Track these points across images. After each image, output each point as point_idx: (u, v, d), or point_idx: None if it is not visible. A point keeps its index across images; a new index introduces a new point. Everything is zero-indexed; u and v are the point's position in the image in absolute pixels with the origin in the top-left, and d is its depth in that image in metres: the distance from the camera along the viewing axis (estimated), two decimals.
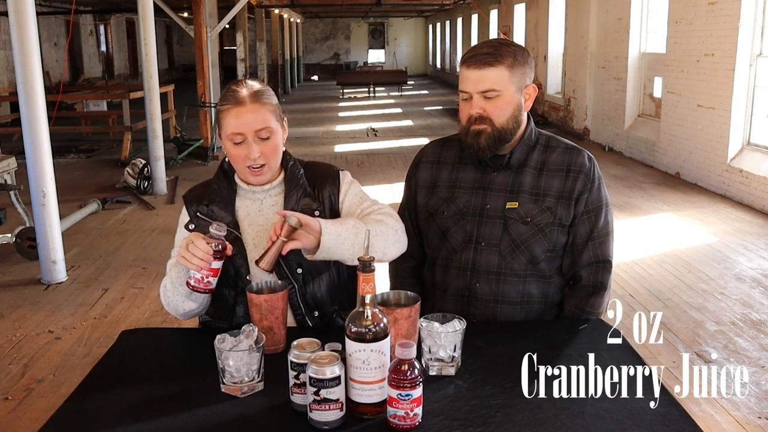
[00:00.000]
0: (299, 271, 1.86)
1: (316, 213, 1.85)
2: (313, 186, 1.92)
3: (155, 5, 8.29)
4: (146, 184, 8.04)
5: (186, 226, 1.88)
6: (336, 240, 1.73)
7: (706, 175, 7.95)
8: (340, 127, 14.14)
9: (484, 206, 1.95)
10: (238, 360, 1.48)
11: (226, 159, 1.93)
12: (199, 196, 1.93)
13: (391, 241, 1.83)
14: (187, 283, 1.70)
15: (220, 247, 1.66)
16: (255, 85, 1.84)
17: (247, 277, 1.86)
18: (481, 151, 1.89)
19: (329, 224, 1.74)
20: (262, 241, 1.86)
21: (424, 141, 10.94)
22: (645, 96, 10.08)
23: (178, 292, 1.80)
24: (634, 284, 4.90)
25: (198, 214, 1.89)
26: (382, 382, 1.38)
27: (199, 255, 1.65)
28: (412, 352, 1.34)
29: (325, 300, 1.91)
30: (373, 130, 13.58)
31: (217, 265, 1.68)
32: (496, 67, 1.83)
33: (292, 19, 27.00)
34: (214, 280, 1.69)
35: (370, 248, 1.64)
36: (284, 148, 1.92)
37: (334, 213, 1.91)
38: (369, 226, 1.78)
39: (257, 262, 1.69)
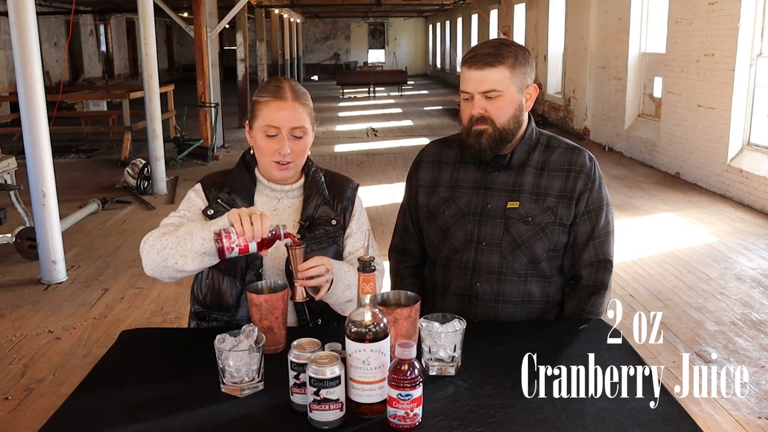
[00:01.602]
0: None
1: (334, 222, 1.91)
2: (332, 196, 1.95)
3: (155, 5, 8.29)
4: (146, 184, 8.04)
5: (204, 211, 1.87)
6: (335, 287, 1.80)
7: (706, 175, 7.95)
8: (340, 127, 14.13)
9: (485, 206, 1.95)
10: (238, 360, 1.48)
11: (251, 151, 1.94)
12: (220, 183, 1.93)
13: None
14: (218, 233, 1.64)
15: (271, 235, 1.67)
16: (297, 85, 1.89)
17: (260, 270, 1.87)
18: (482, 152, 1.89)
19: (335, 265, 1.79)
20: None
21: (424, 141, 10.95)
22: (645, 96, 10.08)
23: (182, 247, 1.71)
24: (634, 284, 4.90)
25: (219, 200, 1.89)
26: (382, 382, 1.38)
27: (256, 227, 1.63)
28: (412, 352, 1.34)
29: (330, 307, 1.91)
30: (373, 130, 13.58)
31: (253, 248, 1.66)
32: (497, 68, 1.83)
33: (292, 19, 27.00)
34: (235, 254, 1.66)
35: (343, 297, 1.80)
36: (309, 153, 1.93)
37: (344, 227, 1.95)
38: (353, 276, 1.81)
39: (293, 298, 1.73)
